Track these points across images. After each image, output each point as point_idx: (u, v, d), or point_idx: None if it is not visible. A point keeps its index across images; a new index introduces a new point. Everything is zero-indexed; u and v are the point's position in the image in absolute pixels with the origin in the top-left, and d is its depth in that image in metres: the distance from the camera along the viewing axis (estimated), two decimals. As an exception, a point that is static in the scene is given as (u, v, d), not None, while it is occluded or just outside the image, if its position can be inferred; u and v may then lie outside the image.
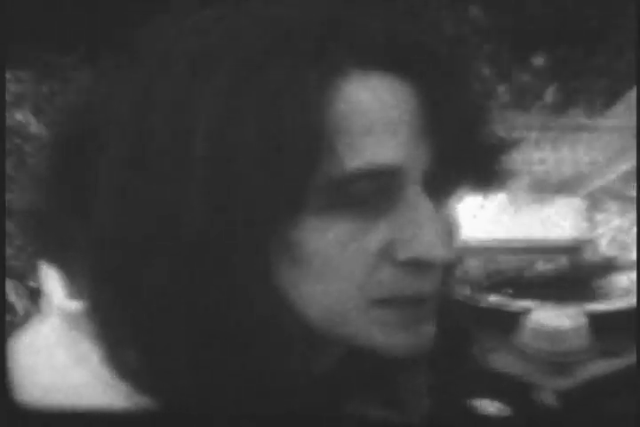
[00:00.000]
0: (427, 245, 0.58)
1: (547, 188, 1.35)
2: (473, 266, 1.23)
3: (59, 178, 0.63)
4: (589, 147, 1.43)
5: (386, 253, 0.58)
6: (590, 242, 1.25)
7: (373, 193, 0.57)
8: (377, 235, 0.58)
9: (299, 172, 0.56)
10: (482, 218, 1.29)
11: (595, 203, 1.29)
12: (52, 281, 0.66)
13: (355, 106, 0.57)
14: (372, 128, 0.57)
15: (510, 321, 1.15)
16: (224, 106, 0.57)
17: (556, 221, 1.26)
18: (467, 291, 1.20)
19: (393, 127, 0.58)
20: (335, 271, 0.59)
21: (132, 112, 0.59)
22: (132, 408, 0.62)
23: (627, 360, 1.15)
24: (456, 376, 0.74)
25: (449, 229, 0.62)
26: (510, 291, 1.20)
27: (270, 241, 0.58)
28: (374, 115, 0.57)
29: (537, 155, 1.44)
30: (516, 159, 1.44)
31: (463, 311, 0.74)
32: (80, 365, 0.64)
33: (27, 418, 0.61)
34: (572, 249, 1.23)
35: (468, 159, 0.60)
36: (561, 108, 2.11)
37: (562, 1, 2.45)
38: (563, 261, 1.21)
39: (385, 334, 0.61)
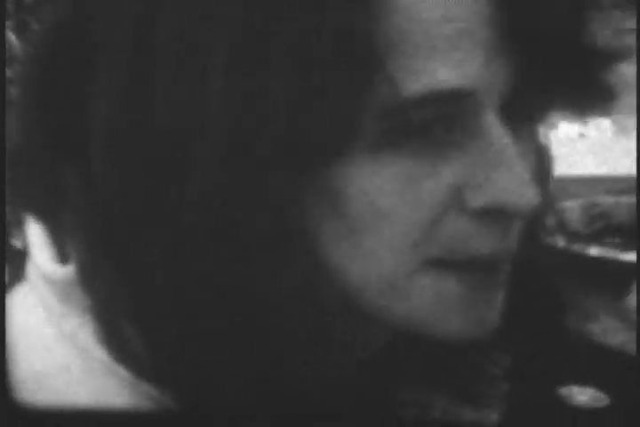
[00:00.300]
0: (506, 188, 0.51)
1: None
2: (569, 209, 1.13)
3: (45, 108, 0.58)
4: None
5: (454, 200, 0.52)
6: None
7: (438, 124, 0.52)
8: (444, 176, 0.52)
9: (345, 95, 0.50)
10: (580, 150, 1.19)
11: None
12: (37, 241, 0.63)
13: (411, 15, 0.52)
14: (434, 44, 0.52)
15: (618, 279, 0.98)
16: (247, 23, 0.50)
17: None
18: (561, 241, 1.11)
19: (460, 42, 0.53)
20: (388, 223, 0.53)
21: (138, 21, 0.52)
22: (129, 398, 0.59)
23: None
24: (544, 357, 0.60)
25: (535, 167, 0.56)
26: (617, 240, 1.10)
27: (308, 185, 0.52)
28: (437, 27, 0.52)
29: None
30: (626, 73, 1.17)
31: (555, 270, 0.65)
32: (67, 344, 0.60)
33: (26, 418, 0.59)
34: None
35: (560, 74, 0.53)
36: None
37: None
38: None
39: (443, 309, 0.54)
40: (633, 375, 0.99)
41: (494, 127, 0.52)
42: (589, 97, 0.56)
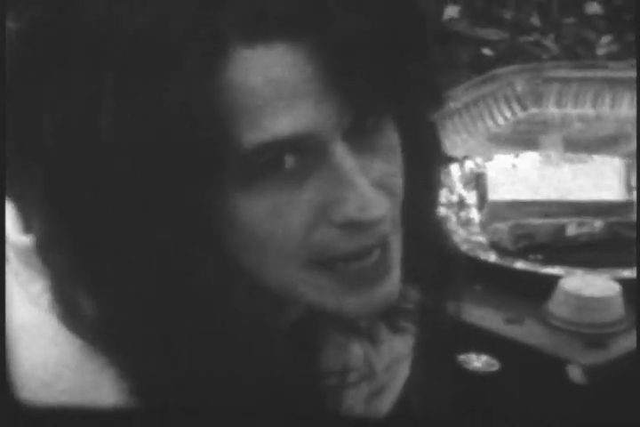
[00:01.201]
0: (358, 205, 0.60)
1: (583, 147, 1.31)
2: (500, 230, 1.20)
3: (11, 114, 0.64)
4: (631, 103, 1.39)
5: (321, 216, 0.62)
6: (627, 205, 1.21)
7: (292, 160, 0.60)
8: (304, 200, 0.61)
9: (202, 149, 0.58)
10: (512, 178, 1.26)
11: (633, 163, 1.25)
12: (4, 217, 0.67)
13: (243, 87, 0.59)
14: (266, 104, 0.59)
15: (538, 290, 1.12)
16: (123, 86, 0.59)
17: (591, 182, 1.22)
18: (492, 256, 1.18)
19: (290, 97, 0.59)
20: (272, 238, 0.62)
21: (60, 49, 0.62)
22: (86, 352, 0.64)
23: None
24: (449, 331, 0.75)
25: (382, 178, 0.63)
26: (540, 257, 1.17)
27: (209, 214, 0.61)
28: (266, 89, 0.59)
29: (575, 111, 1.41)
30: (550, 115, 1.41)
31: (451, 265, 0.75)
32: (32, 305, 0.65)
33: (25, 415, 0.61)
34: (608, 212, 1.19)
35: (384, 104, 0.62)
36: (617, 60, 2.07)
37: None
38: (598, 224, 1.18)
39: (332, 297, 0.64)
40: (522, 347, 1.09)
41: (338, 155, 0.60)
42: (412, 116, 0.65)
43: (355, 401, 0.75)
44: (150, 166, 0.59)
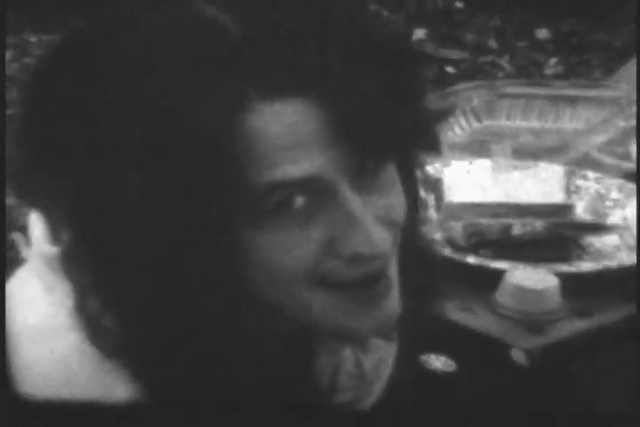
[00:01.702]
0: (364, 241, 0.59)
1: (529, 155, 1.28)
2: (454, 228, 1.17)
3: (42, 138, 0.62)
4: (573, 117, 1.37)
5: (329, 250, 0.60)
6: (567, 207, 1.19)
7: (301, 200, 0.59)
8: (314, 237, 0.60)
9: (220, 188, 0.57)
10: (466, 182, 1.23)
11: (573, 170, 1.24)
12: (36, 228, 0.65)
13: (260, 136, 0.58)
14: (280, 152, 0.58)
15: (487, 281, 1.10)
16: (150, 133, 0.57)
17: (535, 187, 1.20)
18: (447, 251, 1.14)
19: (301, 144, 0.58)
20: (280, 270, 0.60)
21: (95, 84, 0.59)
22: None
23: (598, 320, 1.09)
24: (417, 333, 0.73)
25: (386, 212, 0.62)
26: (489, 252, 1.14)
27: (223, 245, 0.59)
28: (281, 137, 0.58)
29: (523, 124, 1.39)
30: (501, 127, 1.37)
31: (433, 269, 0.74)
32: (58, 307, 0.63)
33: (27, 410, 0.58)
34: (549, 213, 1.17)
35: (386, 151, 0.61)
36: (562, 79, 2.06)
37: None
38: (540, 224, 1.15)
39: (336, 318, 0.63)
40: (478, 349, 1.08)
41: (346, 196, 0.59)
42: (407, 162, 0.65)
43: (343, 400, 0.72)
44: (172, 200, 0.58)
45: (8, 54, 2.36)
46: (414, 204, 0.69)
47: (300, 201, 0.59)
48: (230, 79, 0.57)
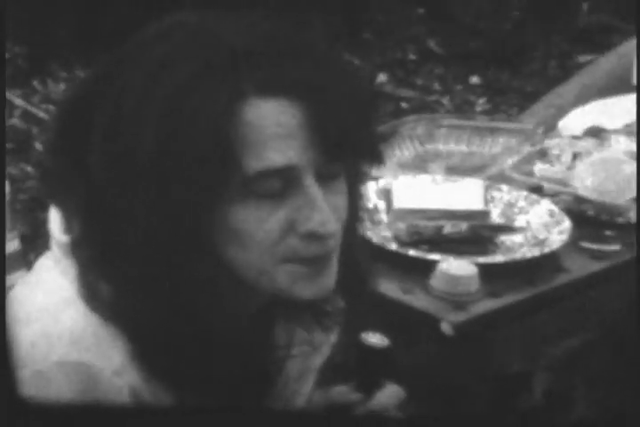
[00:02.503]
0: (319, 222, 0.58)
1: (458, 172, 1.28)
2: (400, 228, 1.15)
3: (63, 143, 0.61)
4: (492, 143, 1.37)
5: (290, 228, 0.58)
6: (485, 213, 1.19)
7: (278, 185, 0.57)
8: (282, 216, 0.58)
9: (216, 173, 0.55)
10: (410, 192, 1.21)
11: (491, 184, 1.23)
12: (53, 220, 0.63)
13: (254, 125, 0.55)
14: (269, 140, 0.56)
15: (424, 269, 1.09)
16: (165, 121, 0.55)
17: (462, 197, 1.19)
18: (394, 246, 1.13)
19: (285, 138, 0.56)
20: (254, 241, 0.58)
21: (115, 99, 0.58)
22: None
23: (506, 300, 1.08)
24: (355, 312, 0.69)
25: (337, 205, 0.61)
26: (425, 247, 1.13)
27: (209, 222, 0.57)
28: (270, 131, 0.56)
29: (455, 148, 1.38)
30: (438, 150, 1.35)
31: (366, 259, 0.71)
32: (71, 284, 0.60)
33: (30, 413, 0.52)
34: (471, 217, 1.16)
35: (345, 154, 0.59)
36: (488, 115, 2.05)
37: (494, 34, 2.38)
38: (464, 226, 1.14)
39: (293, 284, 0.60)
40: (412, 309, 1.06)
41: (311, 185, 0.58)
42: (360, 163, 0.63)
43: (291, 372, 0.69)
44: (175, 184, 0.56)
45: (61, 86, 2.28)
46: (355, 207, 0.66)
47: (276, 185, 0.57)
48: (233, 78, 0.55)
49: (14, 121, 2.13)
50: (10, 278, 0.91)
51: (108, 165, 0.57)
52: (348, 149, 0.59)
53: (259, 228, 0.58)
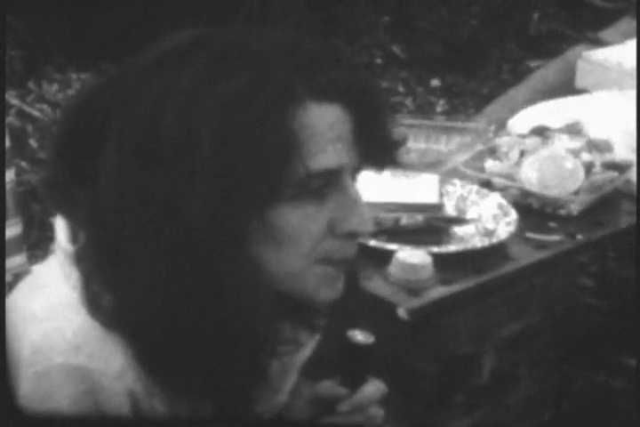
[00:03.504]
0: (359, 221, 0.55)
1: (416, 168, 1.24)
2: None
3: (74, 154, 0.56)
4: (448, 141, 1.34)
5: (331, 229, 0.55)
6: (440, 205, 1.15)
7: (324, 185, 0.54)
8: (324, 215, 0.55)
9: (276, 174, 0.53)
10: (372, 186, 1.19)
11: (445, 179, 1.20)
12: (60, 229, 0.60)
13: (310, 128, 0.54)
14: (324, 143, 0.54)
15: (383, 258, 1.07)
16: (224, 123, 0.52)
17: (419, 191, 1.16)
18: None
19: (336, 142, 0.55)
20: (294, 242, 0.55)
21: (148, 112, 0.53)
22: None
23: (458, 287, 1.05)
24: (343, 311, 0.65)
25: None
26: (384, 237, 1.10)
27: (252, 221, 0.53)
28: (325, 133, 0.54)
29: (414, 145, 1.35)
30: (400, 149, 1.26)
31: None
32: (71, 289, 0.57)
33: (26, 421, 0.49)
34: (426, 210, 1.13)
35: (380, 157, 0.58)
36: (448, 115, 2.02)
37: (453, 41, 2.36)
38: (419, 218, 1.12)
39: (319, 285, 0.57)
40: (371, 295, 1.04)
41: (350, 186, 0.55)
42: (389, 165, 0.61)
43: (275, 369, 0.64)
44: (231, 187, 0.52)
45: (54, 87, 2.24)
46: None
47: (321, 185, 0.54)
48: (289, 85, 0.53)
49: (10, 119, 2.11)
50: (11, 261, 0.89)
51: (130, 175, 0.53)
52: (380, 151, 0.58)
53: (303, 227, 0.54)
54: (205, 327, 0.54)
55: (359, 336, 0.63)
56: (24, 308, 0.58)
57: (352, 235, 0.56)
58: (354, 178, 0.56)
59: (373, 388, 0.64)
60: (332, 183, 0.55)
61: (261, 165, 0.52)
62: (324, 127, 0.54)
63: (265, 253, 0.55)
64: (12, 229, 0.90)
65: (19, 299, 0.59)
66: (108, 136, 0.53)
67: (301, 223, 0.54)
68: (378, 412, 0.64)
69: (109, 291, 0.55)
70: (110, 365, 0.55)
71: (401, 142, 0.61)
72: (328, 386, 0.65)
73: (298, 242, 0.55)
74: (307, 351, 0.68)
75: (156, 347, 0.55)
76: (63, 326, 0.56)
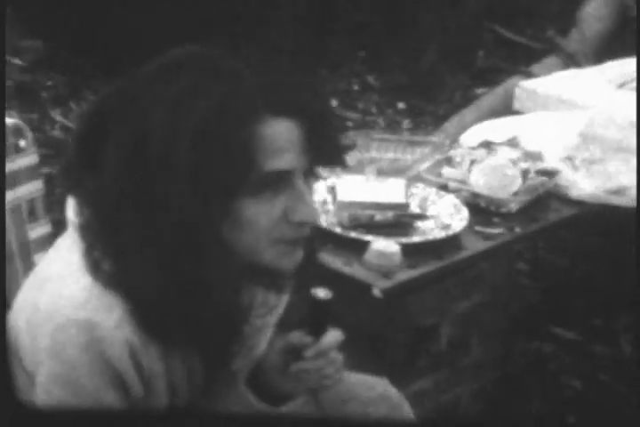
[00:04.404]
0: (307, 213, 0.57)
1: (387, 173, 1.22)
2: (343, 216, 1.09)
3: (85, 148, 0.58)
4: (412, 152, 1.32)
5: (283, 217, 0.57)
6: (406, 204, 1.13)
7: (278, 183, 0.56)
8: (279, 207, 0.57)
9: (239, 173, 0.54)
10: (350, 188, 1.16)
11: (410, 183, 1.18)
12: (70, 206, 0.60)
13: (268, 138, 0.55)
14: (277, 149, 0.55)
15: (360, 247, 1.05)
16: (198, 132, 0.53)
17: (389, 192, 1.14)
18: (338, 229, 1.07)
19: (288, 149, 0.56)
20: (256, 227, 0.56)
21: (141, 116, 0.54)
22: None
23: (421, 270, 1.03)
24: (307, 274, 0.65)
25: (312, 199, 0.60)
26: (362, 230, 1.08)
27: (221, 211, 0.55)
28: (278, 142, 0.55)
29: (383, 155, 1.32)
30: (372, 157, 1.26)
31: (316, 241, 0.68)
32: (76, 256, 0.58)
33: (30, 417, 0.45)
34: (395, 208, 1.11)
35: (326, 161, 0.59)
36: (412, 131, 2.01)
37: (416, 72, 2.35)
38: (390, 214, 1.09)
39: (279, 259, 0.59)
40: (350, 278, 1.01)
41: (301, 184, 0.58)
42: (333, 166, 0.64)
43: (253, 327, 0.66)
44: (204, 182, 0.53)
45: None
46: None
47: (276, 183, 0.56)
48: (253, 103, 0.54)
49: (56, 133, 2.07)
50: (34, 230, 0.88)
51: (124, 166, 0.54)
52: (327, 156, 0.59)
53: (261, 215, 0.56)
54: (186, 289, 0.56)
55: (320, 293, 0.63)
56: (43, 271, 0.60)
57: (302, 222, 0.57)
58: (305, 177, 0.57)
59: (332, 337, 0.64)
60: (284, 181, 0.56)
61: (228, 165, 0.53)
62: (279, 138, 0.55)
63: (234, 234, 0.56)
64: (42, 229, 0.87)
65: (41, 264, 0.61)
66: (110, 135, 0.55)
67: (260, 212, 0.56)
68: (337, 356, 0.64)
69: (108, 257, 0.56)
70: (110, 317, 0.55)
71: (346, 149, 0.61)
72: (297, 336, 0.64)
73: (258, 226, 0.56)
74: (278, 312, 0.68)
75: (148, 303, 0.55)
76: (72, 287, 0.56)
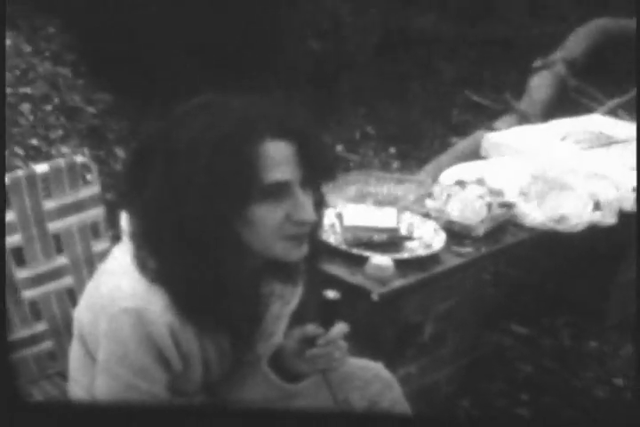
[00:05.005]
0: (305, 214, 0.58)
1: (382, 204, 1.25)
2: (348, 236, 1.11)
3: (132, 173, 0.59)
4: (403, 188, 1.34)
5: (287, 218, 0.58)
6: (397, 228, 1.15)
7: (279, 191, 0.56)
8: (281, 211, 0.57)
9: (246, 185, 0.55)
10: (354, 215, 1.17)
11: (400, 211, 1.20)
12: (124, 218, 0.62)
13: (268, 156, 0.55)
14: (276, 164, 0.56)
15: (362, 261, 1.06)
16: (214, 156, 0.54)
17: (384, 218, 1.15)
18: (344, 247, 1.09)
19: (284, 164, 0.56)
20: (265, 227, 0.57)
21: (170, 156, 0.56)
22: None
23: (410, 279, 1.04)
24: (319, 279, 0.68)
25: (316, 206, 0.61)
26: (363, 248, 1.09)
27: (236, 216, 0.56)
28: (276, 159, 0.56)
29: (379, 190, 1.35)
30: (370, 191, 1.27)
31: (320, 240, 0.69)
32: (130, 259, 0.58)
33: (30, 412, 0.39)
34: (389, 231, 1.13)
35: (320, 174, 0.59)
36: (401, 171, 2.03)
37: (404, 125, 2.38)
38: (385, 236, 1.11)
39: (287, 252, 0.59)
40: (353, 285, 1.02)
41: (299, 192, 0.58)
42: (328, 180, 0.61)
43: (271, 316, 0.67)
44: (219, 193, 0.54)
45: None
46: (320, 214, 0.64)
47: (277, 191, 0.57)
48: (256, 129, 0.56)
49: (117, 166, 2.00)
50: (97, 245, 0.86)
51: (161, 186, 0.56)
52: (318, 169, 0.59)
53: (267, 219, 0.57)
54: (215, 282, 0.56)
55: (330, 294, 0.64)
56: (103, 269, 0.61)
57: (301, 222, 0.58)
58: (304, 187, 0.58)
59: (339, 329, 0.65)
60: (285, 190, 0.57)
61: (237, 179, 0.54)
62: (276, 155, 0.56)
63: (246, 235, 0.57)
64: (103, 244, 0.86)
65: (102, 265, 0.62)
66: (153, 164, 0.57)
67: (267, 215, 0.56)
68: (343, 344, 0.66)
69: (153, 257, 0.57)
70: (155, 306, 0.56)
71: (333, 163, 0.61)
72: (311, 328, 0.65)
73: (266, 226, 0.57)
74: (293, 304, 0.69)
75: (184, 294, 0.56)
76: (124, 281, 0.58)
